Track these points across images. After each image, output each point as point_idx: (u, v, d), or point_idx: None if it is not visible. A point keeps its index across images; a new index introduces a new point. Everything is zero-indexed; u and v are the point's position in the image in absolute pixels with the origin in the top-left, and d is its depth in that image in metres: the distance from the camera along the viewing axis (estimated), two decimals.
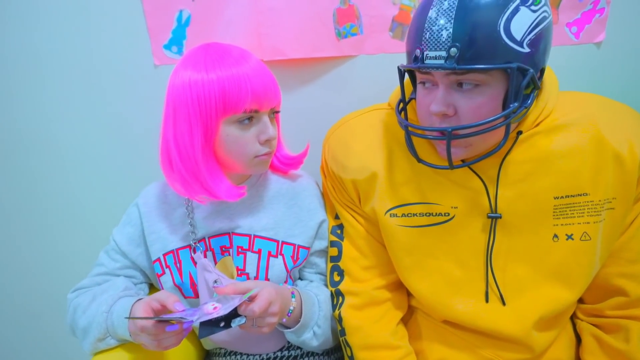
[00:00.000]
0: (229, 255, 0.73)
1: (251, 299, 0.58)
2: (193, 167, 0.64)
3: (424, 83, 0.59)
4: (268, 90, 0.65)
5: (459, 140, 0.58)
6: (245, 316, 0.57)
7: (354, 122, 0.73)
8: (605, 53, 0.93)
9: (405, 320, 0.76)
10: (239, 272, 0.72)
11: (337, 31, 0.91)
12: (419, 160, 0.62)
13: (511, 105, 0.55)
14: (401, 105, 0.65)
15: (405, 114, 0.66)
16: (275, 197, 0.76)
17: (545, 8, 0.54)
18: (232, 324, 0.56)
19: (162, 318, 0.56)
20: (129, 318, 0.57)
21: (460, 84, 0.55)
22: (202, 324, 0.56)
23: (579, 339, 0.72)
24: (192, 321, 0.55)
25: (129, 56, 0.91)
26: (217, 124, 0.64)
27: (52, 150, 0.98)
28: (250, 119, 0.66)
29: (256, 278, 0.71)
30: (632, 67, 0.93)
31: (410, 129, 0.60)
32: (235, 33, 0.90)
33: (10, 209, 1.03)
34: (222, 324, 0.57)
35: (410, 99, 0.66)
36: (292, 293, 0.68)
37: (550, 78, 0.64)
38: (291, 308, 0.66)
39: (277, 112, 0.72)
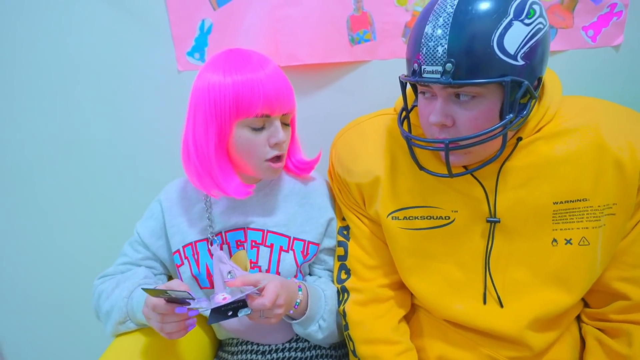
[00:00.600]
0: (244, 249, 0.77)
1: (259, 291, 0.62)
2: (207, 164, 0.69)
3: (424, 93, 0.61)
4: (280, 97, 0.68)
5: (458, 149, 0.60)
6: (253, 309, 0.60)
7: (360, 127, 0.76)
8: (623, 56, 0.92)
9: (408, 318, 0.77)
10: (252, 264, 0.76)
11: (351, 37, 0.95)
12: (421, 168, 0.64)
13: (507, 117, 0.56)
14: (403, 114, 0.67)
15: (408, 122, 0.68)
16: (289, 195, 0.80)
17: (540, 20, 0.55)
18: (239, 314, 0.60)
19: (172, 291, 0.59)
20: (144, 288, 0.60)
21: (457, 96, 0.57)
22: (213, 311, 0.60)
23: (584, 342, 0.72)
24: (197, 311, 0.59)
25: (155, 62, 0.97)
26: (230, 126, 0.68)
27: (83, 149, 1.05)
28: (262, 123, 0.69)
29: (267, 271, 0.75)
30: None
31: (412, 140, 0.62)
32: (254, 40, 0.95)
33: (45, 204, 1.11)
34: (229, 313, 0.60)
35: (413, 107, 0.68)
36: (299, 287, 0.71)
37: (552, 83, 0.65)
38: (298, 301, 0.69)
39: (291, 117, 0.74)
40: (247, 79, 0.66)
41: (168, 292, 0.59)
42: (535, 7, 0.55)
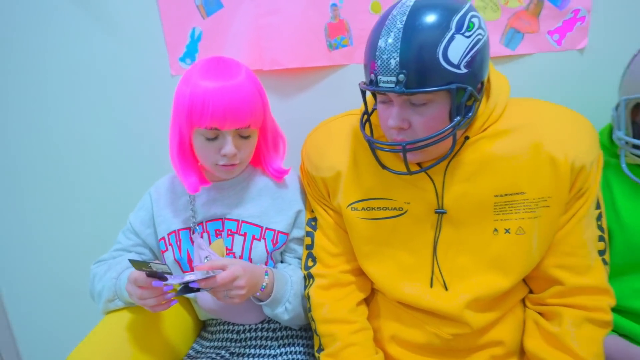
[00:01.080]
0: (221, 237, 0.85)
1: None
2: (173, 159, 0.79)
3: (382, 99, 0.67)
4: (231, 112, 0.71)
5: (414, 150, 0.65)
6: (204, 286, 0.68)
7: (327, 127, 0.83)
8: (588, 59, 0.96)
9: (368, 301, 0.83)
10: (228, 251, 0.83)
11: (329, 43, 1.01)
12: (383, 167, 0.69)
13: (455, 119, 0.62)
14: (365, 117, 0.73)
15: (370, 124, 0.73)
16: (263, 189, 0.87)
17: (479, 31, 0.61)
18: (201, 290, 0.68)
19: (154, 264, 0.66)
20: (130, 259, 0.66)
21: (411, 101, 0.63)
22: (183, 287, 0.68)
23: None
24: (171, 286, 0.67)
25: (151, 67, 1.06)
26: (189, 131, 0.76)
27: (84, 148, 1.14)
28: (214, 134, 0.74)
29: (241, 257, 0.82)
30: (616, 72, 0.94)
31: (375, 144, 0.68)
32: (240, 46, 1.03)
33: (51, 201, 1.21)
34: (195, 289, 0.69)
35: (374, 109, 0.74)
36: (266, 272, 0.78)
37: (499, 88, 0.69)
38: (264, 284, 0.76)
39: (260, 129, 0.80)
40: (201, 91, 0.71)
41: (150, 264, 0.66)
42: (474, 20, 0.61)
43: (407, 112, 0.63)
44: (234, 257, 0.83)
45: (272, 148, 0.87)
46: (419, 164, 0.71)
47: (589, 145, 0.68)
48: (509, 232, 0.69)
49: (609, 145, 0.80)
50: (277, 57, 1.02)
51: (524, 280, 0.77)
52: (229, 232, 0.84)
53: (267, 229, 0.84)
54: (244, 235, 0.83)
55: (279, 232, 0.84)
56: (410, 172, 0.66)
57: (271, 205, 0.85)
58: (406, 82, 0.59)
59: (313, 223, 0.84)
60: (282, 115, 1.00)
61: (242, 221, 0.84)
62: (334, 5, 0.99)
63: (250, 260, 0.82)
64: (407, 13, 0.60)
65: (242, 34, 1.02)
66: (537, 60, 0.97)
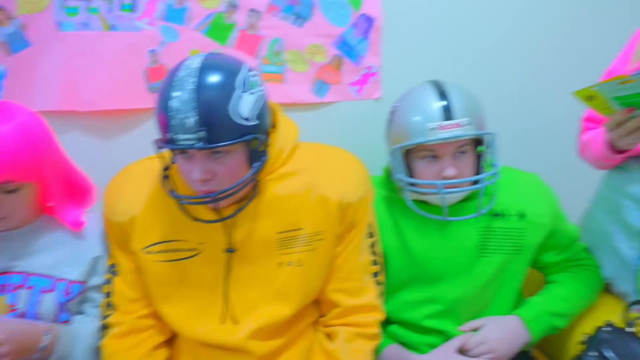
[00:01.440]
0: (5, 292, 0.76)
1: None
2: None
3: (182, 154, 0.68)
4: None
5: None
6: None
7: (129, 170, 0.82)
8: (382, 107, 1.09)
9: (173, 343, 0.83)
10: (10, 308, 0.75)
11: (150, 86, 1.03)
12: (195, 219, 0.71)
13: (254, 165, 0.68)
14: (165, 172, 0.73)
15: (169, 177, 0.74)
16: (59, 238, 0.81)
17: (259, 88, 0.69)
18: None
19: None
20: None
21: (212, 154, 0.66)
22: None
23: None
24: None
25: None
26: None
27: None
28: None
29: (24, 313, 0.75)
30: None
31: (181, 199, 0.70)
32: (51, 87, 0.99)
33: None
34: None
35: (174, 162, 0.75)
36: (48, 330, 0.72)
37: (286, 134, 0.77)
38: (42, 345, 0.71)
39: (13, 187, 0.72)
40: None
41: None
42: (254, 79, 0.69)
43: (209, 164, 0.66)
44: (18, 313, 0.75)
45: (67, 199, 0.81)
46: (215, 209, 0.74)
47: (356, 184, 0.78)
48: (291, 265, 0.75)
49: (390, 183, 0.92)
50: (93, 98, 1.00)
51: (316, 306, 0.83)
52: (14, 287, 0.76)
53: (58, 279, 0.78)
54: (31, 288, 0.77)
55: (72, 281, 0.79)
56: (224, 219, 0.70)
57: (66, 253, 0.80)
58: (206, 138, 0.63)
59: (113, 269, 0.81)
60: (103, 157, 0.97)
61: (30, 273, 0.77)
62: (152, 50, 1.01)
63: (38, 315, 0.76)
64: (197, 75, 0.64)
65: (54, 73, 0.99)
66: (342, 107, 1.10)
